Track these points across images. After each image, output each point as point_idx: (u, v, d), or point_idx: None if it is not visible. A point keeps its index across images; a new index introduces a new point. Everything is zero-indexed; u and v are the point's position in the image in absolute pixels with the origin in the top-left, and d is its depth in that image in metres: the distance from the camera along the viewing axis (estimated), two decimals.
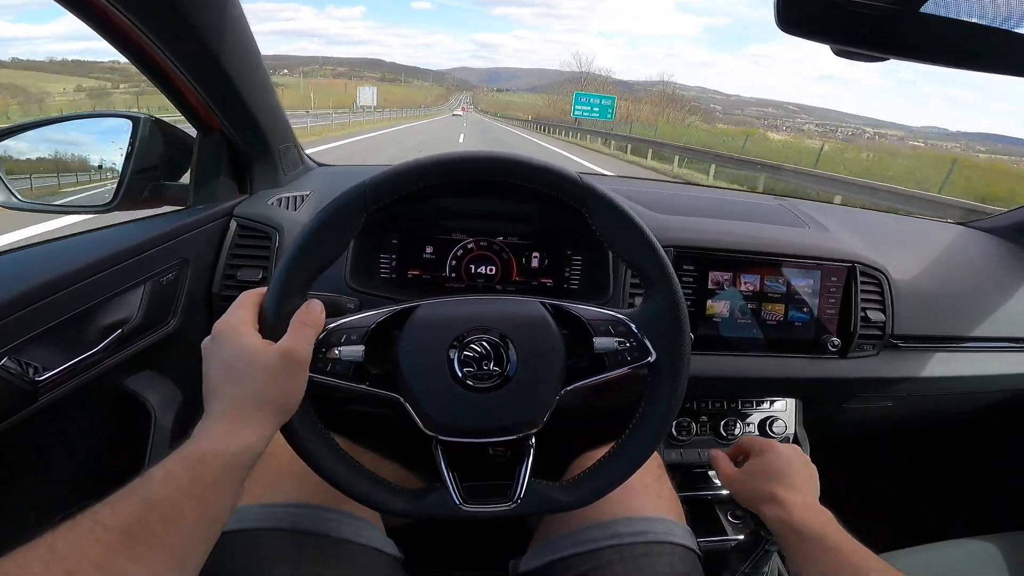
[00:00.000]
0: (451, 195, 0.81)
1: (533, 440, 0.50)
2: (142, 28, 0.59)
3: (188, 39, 0.63)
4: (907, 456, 1.31)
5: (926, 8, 0.46)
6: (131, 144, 0.78)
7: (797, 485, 0.54)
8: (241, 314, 0.43)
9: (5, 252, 0.62)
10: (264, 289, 0.46)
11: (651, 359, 0.49)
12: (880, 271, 0.89)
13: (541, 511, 0.50)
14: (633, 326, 0.49)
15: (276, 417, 0.42)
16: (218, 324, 0.43)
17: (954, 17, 0.46)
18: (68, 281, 0.59)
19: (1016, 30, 0.45)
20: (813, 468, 0.58)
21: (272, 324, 0.43)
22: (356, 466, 0.48)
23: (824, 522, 0.50)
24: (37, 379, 0.57)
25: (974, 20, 0.46)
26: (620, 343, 0.49)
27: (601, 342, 0.49)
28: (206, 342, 0.43)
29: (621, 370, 0.49)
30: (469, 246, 0.86)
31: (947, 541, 0.74)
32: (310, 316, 0.44)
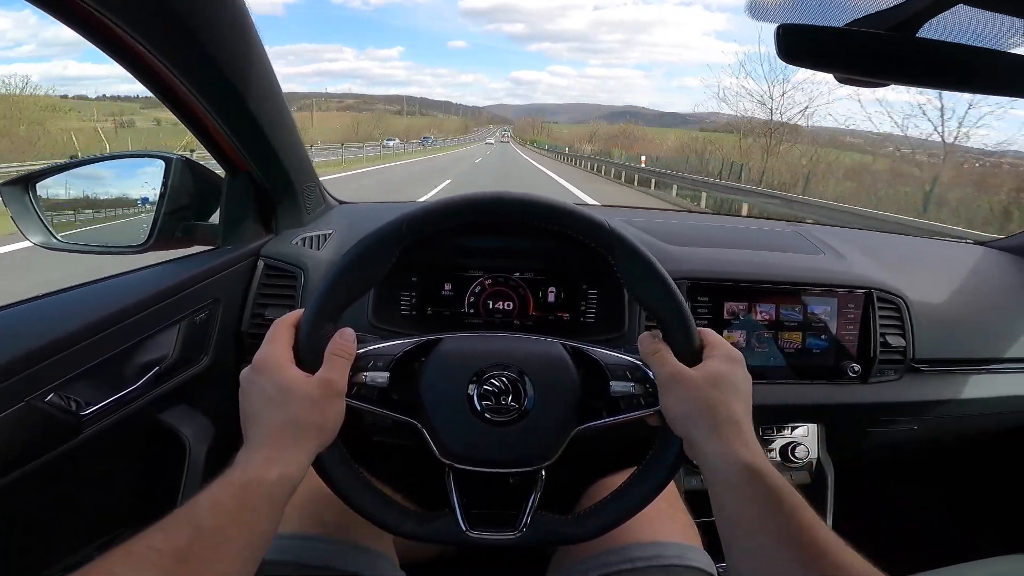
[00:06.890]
0: (470, 233, 0.82)
1: (544, 473, 0.51)
2: (178, 76, 0.63)
3: (218, 84, 0.66)
4: (935, 478, 1.28)
5: (923, 33, 0.48)
6: (164, 184, 0.80)
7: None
8: (279, 347, 0.45)
9: (53, 294, 0.66)
10: (295, 314, 0.48)
11: None
12: (898, 296, 0.88)
13: (547, 542, 0.50)
14: (650, 373, 0.49)
15: (315, 442, 0.44)
16: (258, 357, 0.45)
17: (950, 40, 0.48)
18: (110, 322, 0.62)
19: (1010, 51, 0.47)
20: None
21: (307, 351, 0.45)
22: (368, 484, 0.49)
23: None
24: (81, 413, 0.60)
25: (969, 43, 0.48)
26: (635, 387, 0.50)
27: (617, 386, 0.50)
28: (245, 373, 0.45)
29: (635, 413, 0.50)
30: (486, 283, 0.88)
31: (979, 560, 0.72)
32: (344, 347, 0.46)
